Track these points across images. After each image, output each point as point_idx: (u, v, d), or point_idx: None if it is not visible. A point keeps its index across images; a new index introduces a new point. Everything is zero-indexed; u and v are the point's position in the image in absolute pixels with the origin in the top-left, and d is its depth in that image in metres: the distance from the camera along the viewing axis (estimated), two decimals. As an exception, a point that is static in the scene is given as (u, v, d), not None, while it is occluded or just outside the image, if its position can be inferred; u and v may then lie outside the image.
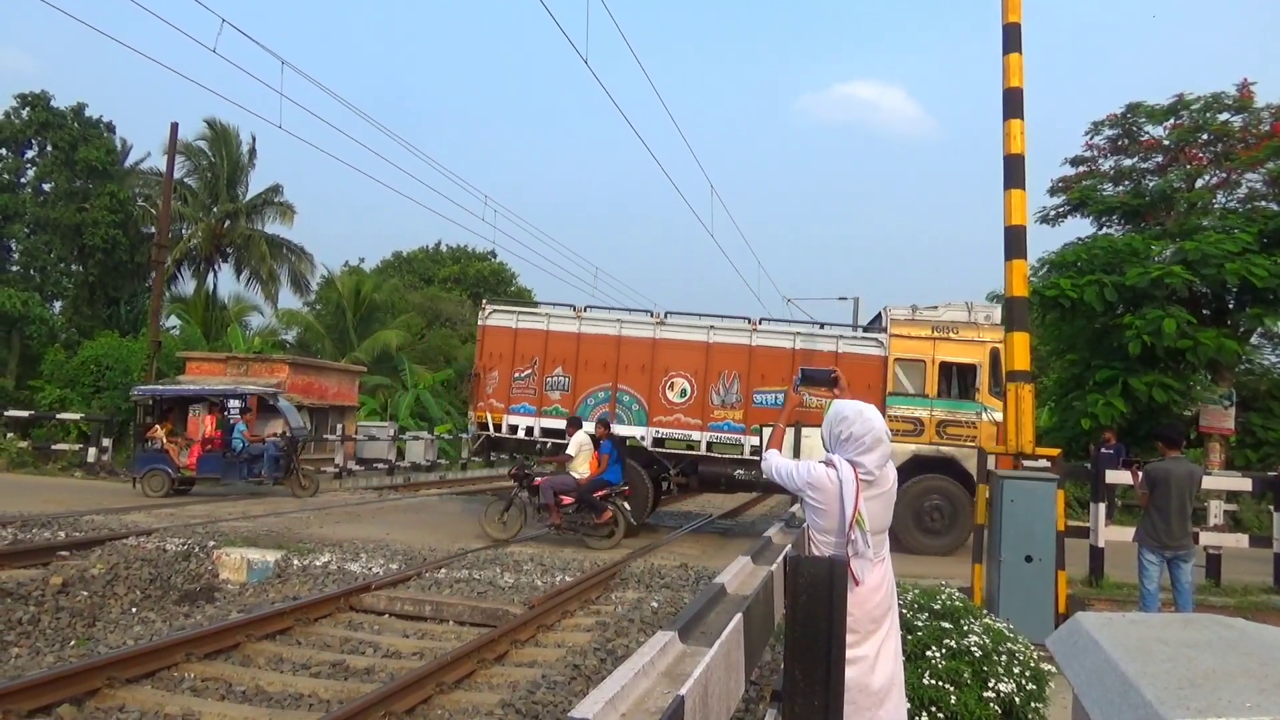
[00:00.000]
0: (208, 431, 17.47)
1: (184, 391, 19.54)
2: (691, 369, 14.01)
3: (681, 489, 15.46)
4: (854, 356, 13.74)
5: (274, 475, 17.04)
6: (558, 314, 14.49)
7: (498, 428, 14.28)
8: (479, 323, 14.76)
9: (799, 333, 14.08)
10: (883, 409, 13.44)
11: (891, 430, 14.19)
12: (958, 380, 13.86)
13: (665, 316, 14.39)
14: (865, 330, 15.04)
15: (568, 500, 12.68)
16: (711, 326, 14.24)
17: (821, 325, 14.60)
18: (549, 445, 14.25)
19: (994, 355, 13.63)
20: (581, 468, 12.87)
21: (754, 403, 13.84)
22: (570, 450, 13.00)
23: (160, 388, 19.82)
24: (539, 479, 12.92)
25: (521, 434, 14.29)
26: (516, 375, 14.29)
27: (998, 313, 14.36)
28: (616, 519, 12.75)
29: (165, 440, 16.94)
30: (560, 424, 13.86)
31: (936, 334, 13.79)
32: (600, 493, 12.69)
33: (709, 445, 14.02)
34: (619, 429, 13.87)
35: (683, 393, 13.99)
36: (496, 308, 14.85)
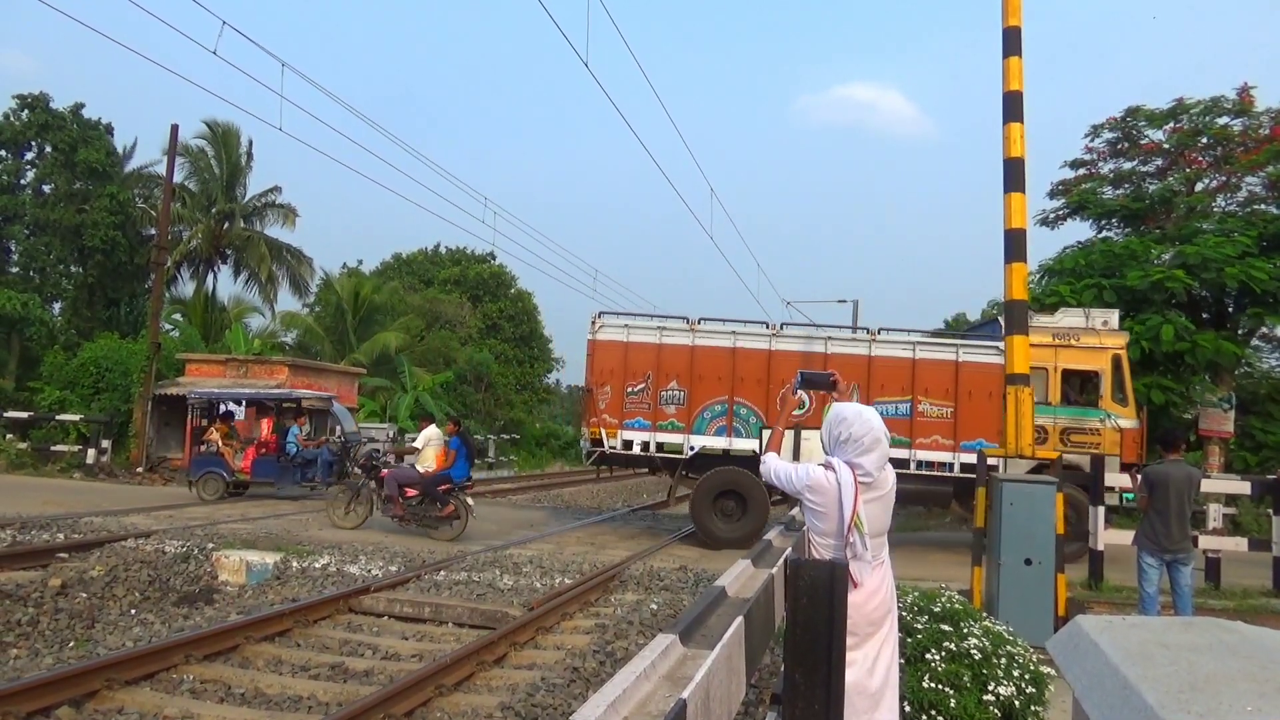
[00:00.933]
0: (263, 435, 17.43)
1: (241, 395, 19.58)
2: None
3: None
4: (976, 365, 13.66)
5: (327, 480, 16.88)
6: (670, 326, 14.32)
7: (612, 443, 14.07)
8: (589, 337, 14.38)
9: (918, 342, 13.97)
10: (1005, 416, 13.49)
11: None
12: (1081, 387, 13.87)
13: (781, 328, 14.28)
14: (966, 333, 15.04)
15: (411, 492, 13.01)
16: (829, 337, 14.19)
17: (940, 334, 14.58)
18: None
19: (1116, 361, 13.80)
20: (428, 461, 13.22)
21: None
22: (417, 443, 13.46)
23: (216, 390, 19.82)
24: (385, 471, 13.25)
25: (636, 449, 14.04)
26: (629, 390, 14.08)
27: (1115, 318, 14.46)
28: (459, 512, 13.03)
29: (221, 443, 16.92)
30: (677, 439, 13.89)
31: (1058, 341, 13.86)
32: (444, 486, 12.98)
33: None
34: (738, 443, 13.82)
35: (801, 404, 13.85)
36: (607, 321, 14.45)
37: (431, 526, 13.06)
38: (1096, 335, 13.96)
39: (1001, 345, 13.67)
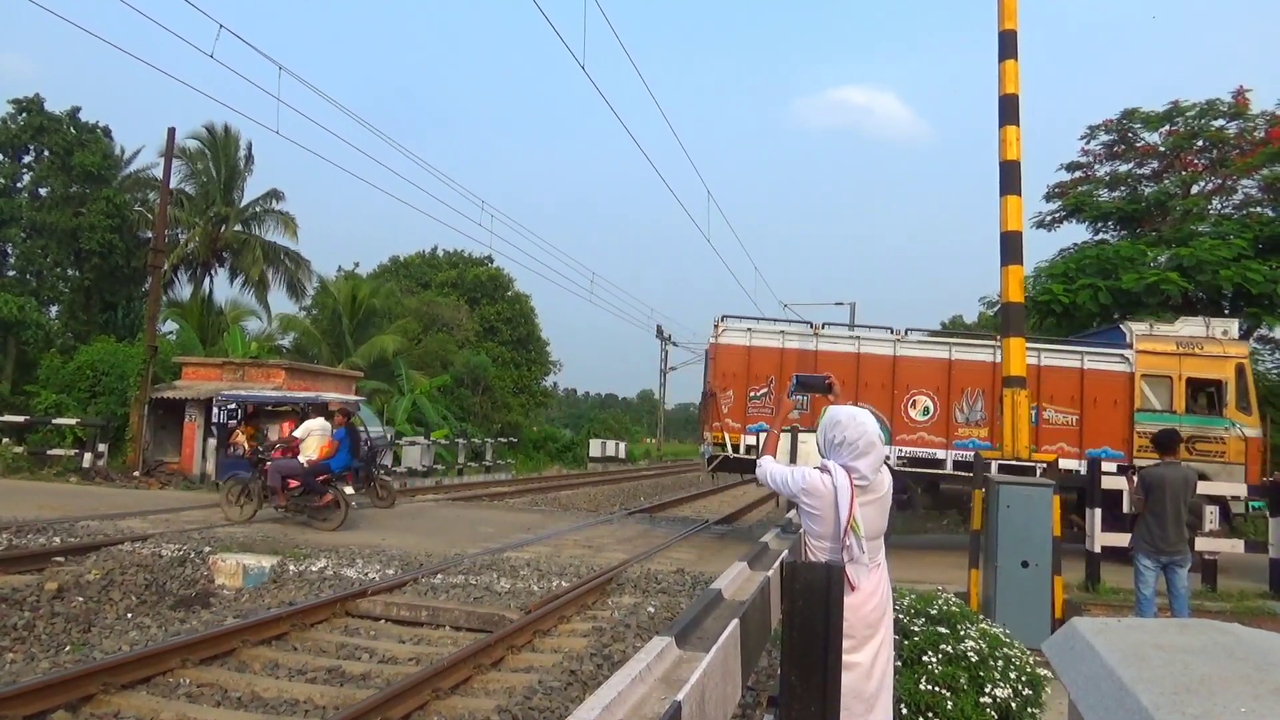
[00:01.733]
0: (284, 437, 17.31)
1: (268, 398, 19.53)
2: (933, 386, 13.87)
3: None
4: (1100, 373, 13.72)
5: (355, 485, 16.76)
6: (793, 330, 14.32)
7: (735, 448, 13.92)
8: (710, 341, 14.35)
9: (1043, 349, 13.97)
10: (1131, 425, 13.46)
11: (1140, 447, 14.18)
12: (1204, 396, 13.90)
13: (905, 333, 14.29)
14: (1086, 338, 15.12)
15: (294, 484, 13.44)
16: (953, 344, 14.23)
17: (1066, 342, 14.62)
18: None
19: (1239, 370, 13.83)
20: (310, 451, 13.61)
21: (1000, 420, 13.68)
22: (298, 434, 13.89)
23: (244, 393, 19.74)
24: (269, 464, 13.64)
25: None
26: (752, 394, 14.00)
27: (1234, 327, 14.54)
28: (337, 501, 13.46)
29: (248, 446, 16.85)
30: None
31: (1181, 350, 13.89)
32: (322, 477, 13.44)
33: (955, 464, 13.76)
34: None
35: (925, 411, 13.85)
36: (729, 325, 14.38)
37: (314, 517, 13.50)
38: (1220, 344, 13.98)
39: (1126, 355, 13.71)
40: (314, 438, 13.70)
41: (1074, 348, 14.26)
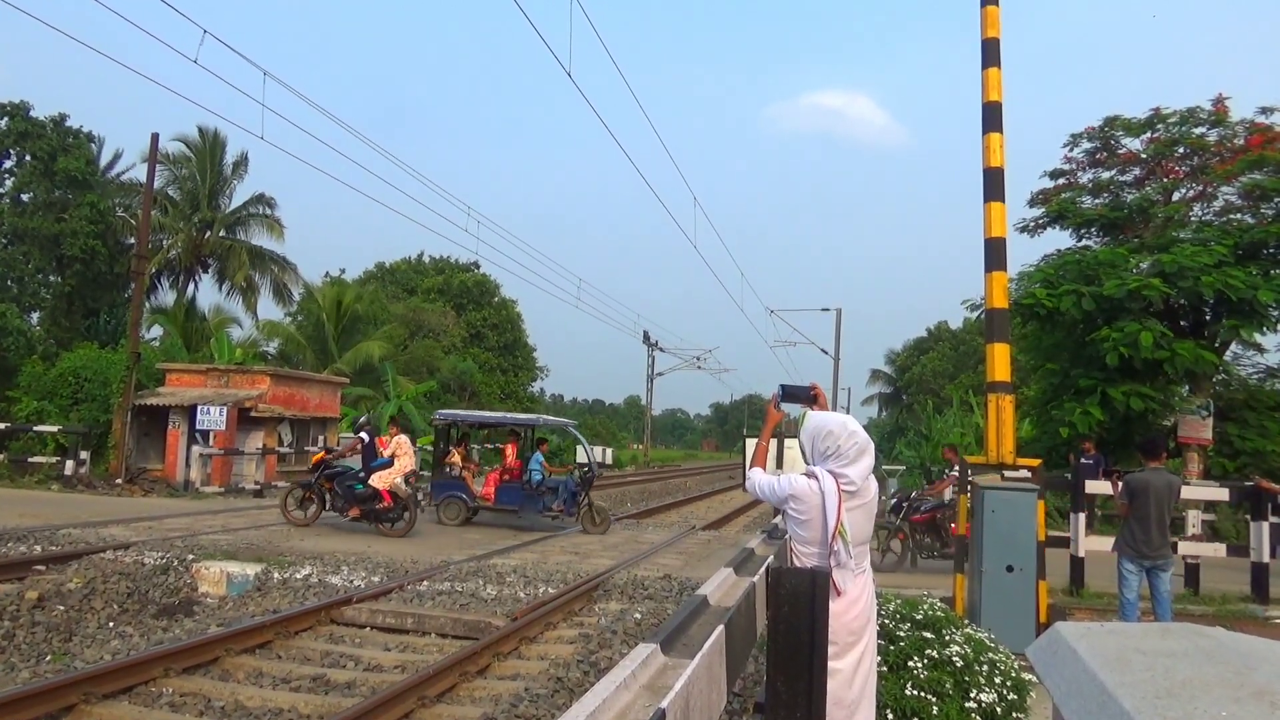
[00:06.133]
0: (508, 461, 17.15)
1: (486, 419, 19.53)
2: None
3: None
4: None
5: (569, 510, 16.35)
6: None
7: None
8: None
9: None
10: None
11: None
12: None
13: None
14: None
15: None
16: None
17: None
18: None
19: None
20: None
21: None
22: None
23: (461, 412, 19.62)
24: None
25: None
26: None
27: None
28: None
29: (462, 466, 16.66)
30: None
31: None
32: None
33: None
34: None
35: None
36: None
37: None
38: None
39: None
40: None
41: None
